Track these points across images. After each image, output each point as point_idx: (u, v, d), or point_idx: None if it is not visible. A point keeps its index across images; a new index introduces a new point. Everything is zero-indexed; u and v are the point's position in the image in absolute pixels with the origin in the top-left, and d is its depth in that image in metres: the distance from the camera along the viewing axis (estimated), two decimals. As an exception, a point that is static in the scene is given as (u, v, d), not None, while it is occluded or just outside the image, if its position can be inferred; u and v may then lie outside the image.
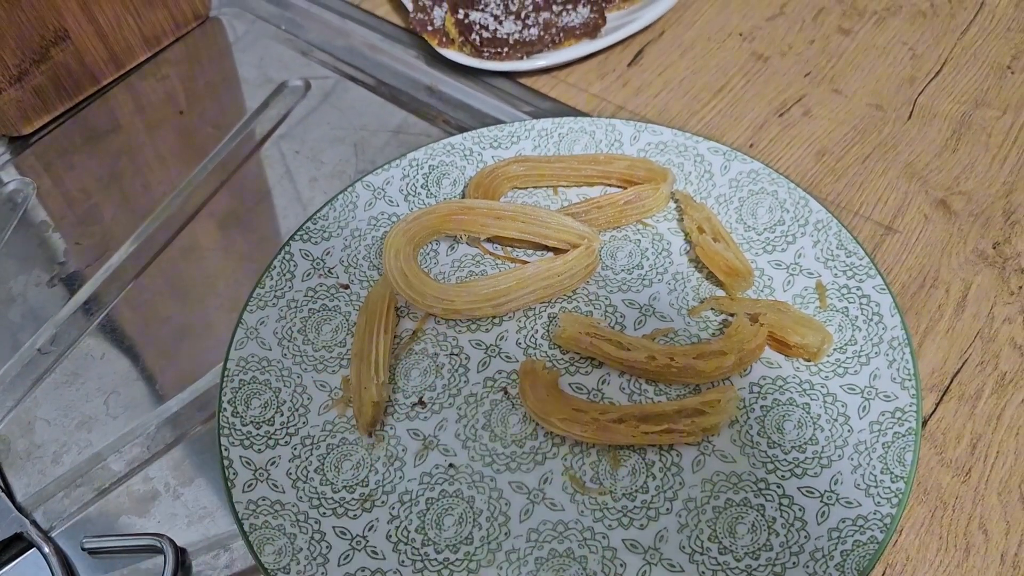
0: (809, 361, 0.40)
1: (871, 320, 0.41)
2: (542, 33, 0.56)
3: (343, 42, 0.61)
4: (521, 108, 0.55)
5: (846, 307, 0.42)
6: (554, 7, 0.58)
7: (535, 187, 0.49)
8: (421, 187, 0.49)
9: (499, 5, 0.57)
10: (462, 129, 0.55)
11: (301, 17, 0.64)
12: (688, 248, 0.46)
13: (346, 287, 0.45)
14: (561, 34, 0.56)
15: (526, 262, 0.45)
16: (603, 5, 0.58)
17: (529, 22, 0.56)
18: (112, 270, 0.50)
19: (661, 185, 0.46)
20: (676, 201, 0.47)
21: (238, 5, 0.65)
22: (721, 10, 0.61)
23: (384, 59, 0.59)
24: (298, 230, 0.46)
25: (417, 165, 0.49)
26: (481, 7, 0.57)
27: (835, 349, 0.41)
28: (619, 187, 0.48)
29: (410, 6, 0.59)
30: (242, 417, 0.40)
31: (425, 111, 0.56)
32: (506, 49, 0.55)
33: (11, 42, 0.53)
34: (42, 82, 0.56)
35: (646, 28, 0.58)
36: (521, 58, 0.55)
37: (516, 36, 0.55)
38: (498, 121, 0.55)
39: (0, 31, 0.52)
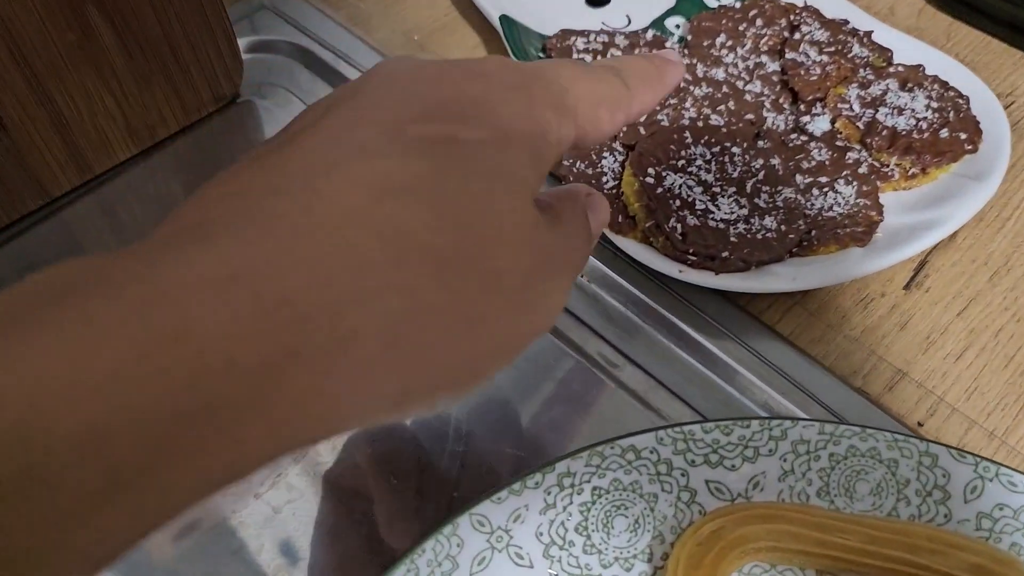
0: None
1: None
2: (782, 226, 0.33)
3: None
4: (729, 347, 0.33)
5: None
6: (798, 178, 0.35)
7: (787, 564, 0.27)
8: (576, 531, 0.27)
9: (709, 165, 0.35)
10: (623, 356, 0.33)
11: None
12: None
13: None
14: (815, 233, 0.34)
15: None
16: (876, 184, 0.36)
17: (761, 202, 0.34)
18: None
19: (1049, 629, 0.24)
20: (1059, 645, 0.25)
21: (280, 82, 0.43)
22: (1047, 203, 0.38)
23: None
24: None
25: (572, 486, 0.27)
26: (681, 162, 0.35)
27: None
28: (945, 591, 0.26)
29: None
30: None
31: (571, 333, 0.34)
32: (723, 251, 0.32)
33: None
34: (-47, 194, 0.34)
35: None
36: (746, 268, 0.33)
37: (740, 228, 0.33)
38: (693, 368, 0.33)
39: None
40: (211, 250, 0.14)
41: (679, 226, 0.33)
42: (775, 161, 0.35)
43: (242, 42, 0.43)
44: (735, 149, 0.35)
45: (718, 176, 0.35)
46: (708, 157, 0.35)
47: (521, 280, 0.18)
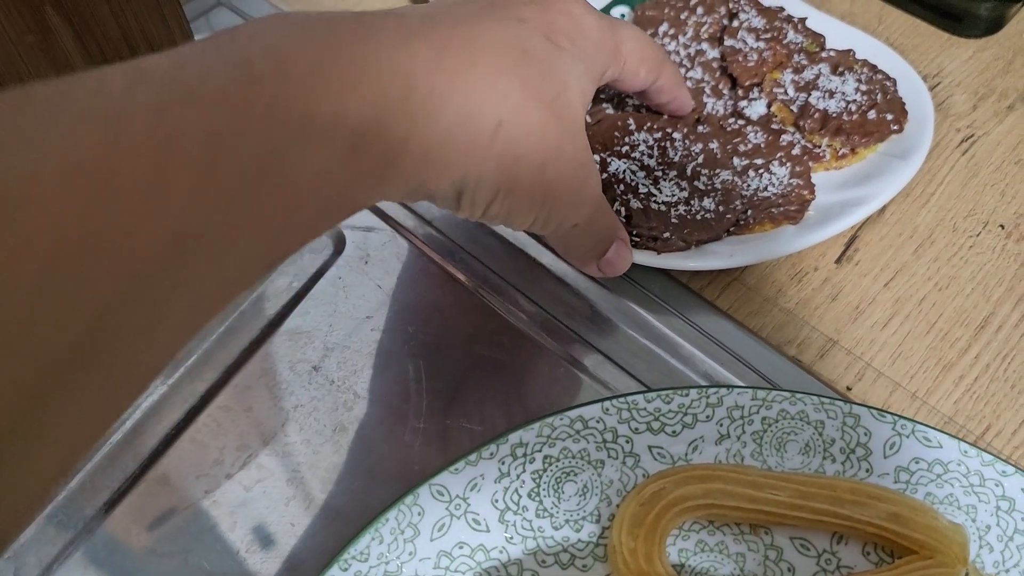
0: None
1: None
2: (720, 207, 0.35)
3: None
4: (672, 322, 0.35)
5: None
6: (735, 160, 0.37)
7: (723, 520, 0.29)
8: (529, 497, 0.29)
9: (651, 150, 0.37)
10: (574, 333, 0.35)
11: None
12: None
13: None
14: (750, 213, 0.36)
15: None
16: (808, 164, 0.38)
17: (701, 185, 0.36)
18: None
19: (956, 568, 0.27)
20: (967, 583, 0.28)
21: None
22: (967, 180, 0.41)
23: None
24: (316, 587, 0.26)
25: (525, 456, 0.29)
26: (625, 148, 0.37)
27: None
28: (869, 539, 0.29)
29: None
30: None
31: (525, 315, 0.35)
32: (665, 231, 0.34)
33: None
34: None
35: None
36: (687, 247, 0.35)
37: (681, 210, 0.35)
38: (638, 343, 0.35)
39: None
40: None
41: (623, 209, 0.35)
42: (714, 145, 0.37)
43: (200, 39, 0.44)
44: (676, 135, 0.37)
45: (660, 161, 0.36)
46: (651, 143, 0.37)
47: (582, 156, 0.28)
